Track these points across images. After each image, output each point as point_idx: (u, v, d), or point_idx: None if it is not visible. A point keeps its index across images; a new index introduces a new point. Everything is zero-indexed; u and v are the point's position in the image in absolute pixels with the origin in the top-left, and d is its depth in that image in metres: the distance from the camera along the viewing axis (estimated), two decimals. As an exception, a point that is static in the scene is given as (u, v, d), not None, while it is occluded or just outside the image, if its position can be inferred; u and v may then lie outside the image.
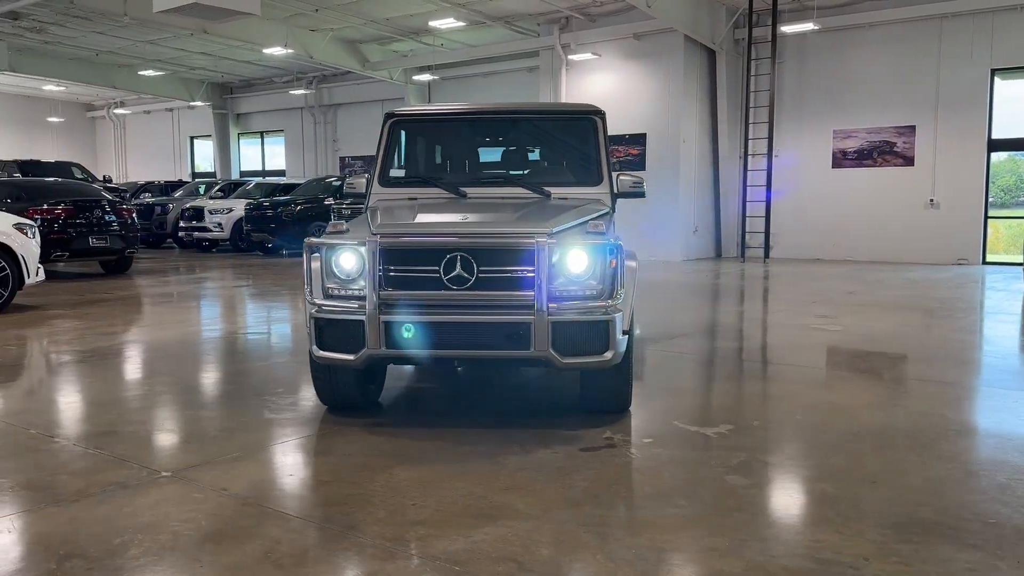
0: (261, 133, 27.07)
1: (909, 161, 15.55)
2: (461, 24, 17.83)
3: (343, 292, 4.17)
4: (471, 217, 4.34)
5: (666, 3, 15.01)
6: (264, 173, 26.55)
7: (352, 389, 4.52)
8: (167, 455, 3.94)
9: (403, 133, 5.57)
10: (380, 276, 4.05)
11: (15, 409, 4.79)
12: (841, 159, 16.31)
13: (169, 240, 20.57)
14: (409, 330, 4.02)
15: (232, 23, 16.20)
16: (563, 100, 17.75)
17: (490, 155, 5.77)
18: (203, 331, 7.87)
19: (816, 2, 15.37)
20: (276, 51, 18.33)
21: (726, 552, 2.79)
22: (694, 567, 2.72)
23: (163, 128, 29.60)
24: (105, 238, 12.83)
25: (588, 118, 5.39)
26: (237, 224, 18.21)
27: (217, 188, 20.86)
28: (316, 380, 4.52)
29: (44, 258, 12.16)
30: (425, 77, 21.40)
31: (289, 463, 3.81)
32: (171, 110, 28.89)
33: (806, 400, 5.02)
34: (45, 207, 12.51)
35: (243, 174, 26.80)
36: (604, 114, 5.41)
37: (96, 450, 3.92)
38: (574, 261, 4.10)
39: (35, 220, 12.22)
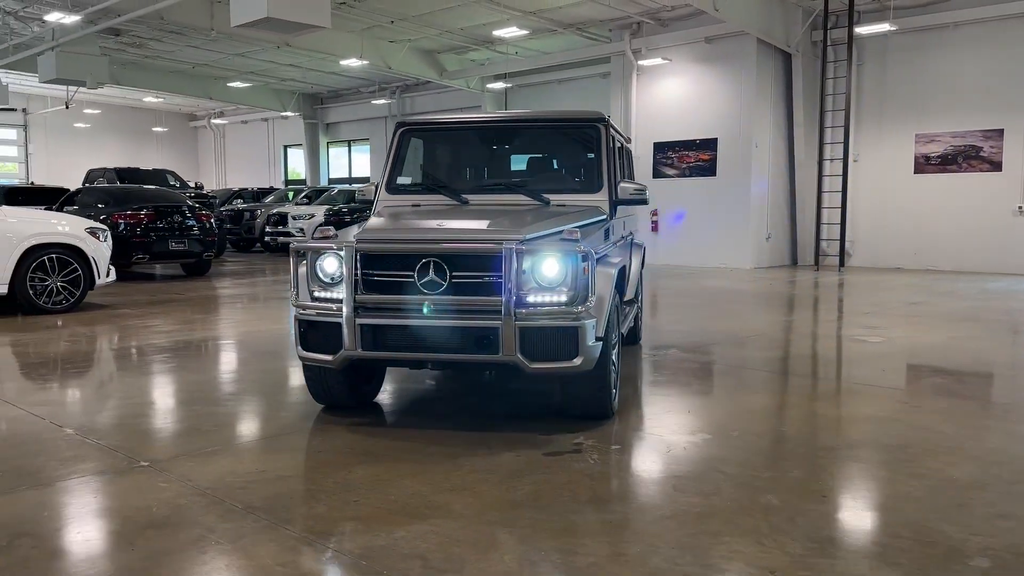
0: (348, 142, 27.92)
1: (996, 167, 14.76)
2: (524, 32, 17.99)
3: (325, 295, 4.34)
4: (448, 224, 4.45)
5: (736, 6, 14.76)
6: (350, 180, 27.37)
7: (342, 389, 4.68)
8: (155, 447, 4.18)
9: (413, 142, 5.73)
10: (357, 280, 4.21)
11: (42, 400, 5.16)
12: (924, 164, 15.62)
13: (257, 244, 21.47)
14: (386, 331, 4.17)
15: (310, 36, 16.80)
16: (633, 106, 17.70)
17: (495, 163, 5.86)
18: (255, 330, 8.23)
19: (894, 2, 14.81)
20: (352, 63, 18.91)
21: (631, 558, 2.80)
22: (589, 571, 2.73)
23: (259, 137, 30.91)
24: (184, 242, 13.55)
25: (592, 126, 5.42)
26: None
27: (303, 195, 21.65)
28: (308, 380, 4.71)
29: (127, 260, 13.01)
30: (499, 85, 21.65)
31: (259, 458, 3.98)
32: (266, 120, 30.13)
33: (798, 412, 4.91)
34: (129, 212, 13.31)
35: (331, 181, 27.70)
36: (608, 121, 5.43)
37: (94, 440, 4.21)
38: (544, 267, 4.14)
39: (119, 224, 13.06)
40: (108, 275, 9.70)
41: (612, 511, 3.25)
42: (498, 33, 17.93)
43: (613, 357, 4.70)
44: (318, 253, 4.36)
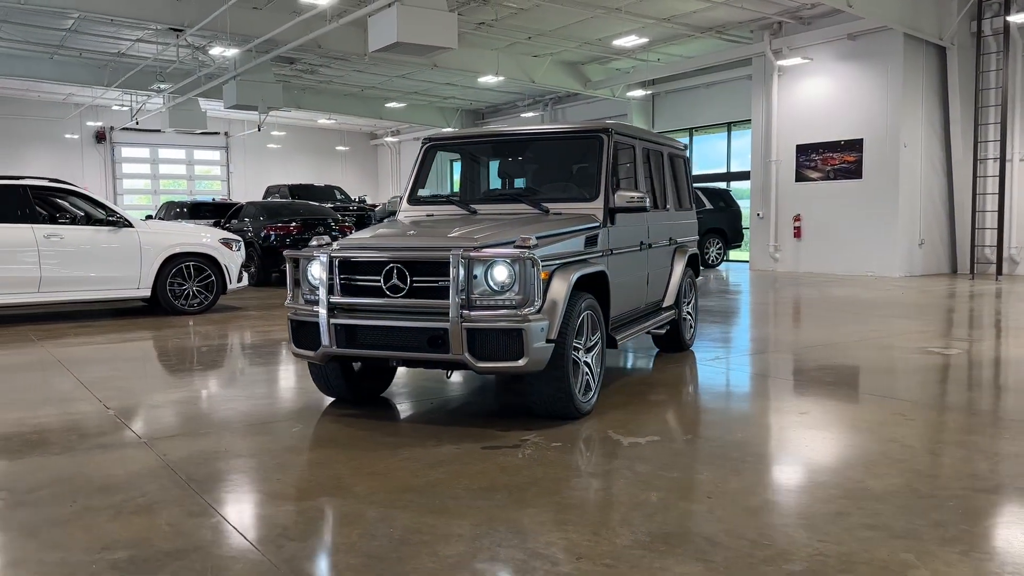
0: (507, 153, 28.83)
1: None
2: (643, 41, 17.90)
3: (311, 298, 4.83)
4: (412, 233, 4.81)
5: (873, 0, 14.00)
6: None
7: (340, 382, 5.15)
8: (160, 426, 4.83)
9: (439, 156, 6.15)
10: (333, 284, 4.67)
11: (113, 384, 6.01)
12: (1102, 160, 14.05)
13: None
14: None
15: (454, 55, 17.72)
16: (775, 108, 17.16)
17: (506, 174, 6.14)
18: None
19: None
20: (489, 79, 19.62)
21: (468, 539, 3.02)
22: (410, 546, 2.98)
23: (429, 152, 32.57)
24: (326, 251, 14.74)
25: (596, 136, 5.59)
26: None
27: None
28: (312, 375, 5.23)
29: (276, 267, 14.37)
30: (639, 92, 21.65)
31: (233, 440, 4.48)
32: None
33: (775, 419, 4.82)
34: (279, 224, 14.71)
35: (491, 192, 28.73)
36: (611, 131, 5.57)
37: (118, 419, 4.94)
38: (494, 273, 4.40)
39: (271, 235, 14.46)
40: (240, 280, 10.84)
41: (493, 498, 3.47)
42: (619, 43, 18.02)
43: (588, 359, 4.85)
44: (308, 260, 4.86)
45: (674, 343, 7.00)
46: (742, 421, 4.85)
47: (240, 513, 3.38)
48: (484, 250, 4.39)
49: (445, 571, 2.77)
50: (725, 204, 18.72)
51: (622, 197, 5.36)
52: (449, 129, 28.85)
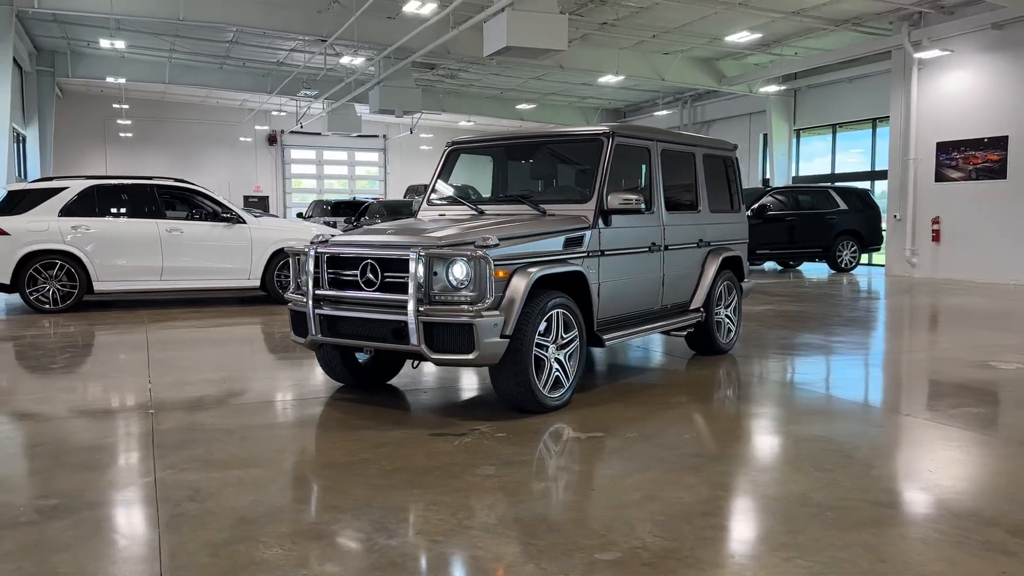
0: (648, 152, 28.62)
1: None
2: (757, 36, 17.24)
3: (304, 290, 5.27)
4: (392, 232, 5.14)
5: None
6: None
7: (341, 369, 5.58)
8: (178, 400, 5.41)
9: (462, 159, 6.45)
10: (319, 278, 5.09)
11: (173, 361, 6.75)
12: None
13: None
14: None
15: (576, 56, 17.93)
16: (913, 102, 16.12)
17: (516, 176, 6.35)
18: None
19: None
20: (609, 79, 19.60)
21: (336, 511, 3.32)
22: (297, 514, 3.30)
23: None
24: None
25: (596, 139, 5.70)
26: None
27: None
28: (318, 360, 5.68)
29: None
30: (773, 88, 20.90)
31: (226, 414, 4.98)
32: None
33: (744, 426, 4.75)
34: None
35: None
36: (613, 135, 5.66)
37: (150, 393, 5.59)
38: (453, 270, 4.64)
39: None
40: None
41: (390, 479, 3.74)
42: (731, 39, 17.54)
43: (560, 356, 4.99)
44: (302, 256, 5.31)
45: (706, 346, 6.93)
46: (684, 421, 4.83)
47: (174, 478, 3.83)
48: (442, 249, 4.66)
49: (295, 534, 3.08)
50: (863, 204, 17.77)
51: (615, 199, 5.44)
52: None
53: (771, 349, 7.40)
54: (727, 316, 7.08)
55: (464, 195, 6.21)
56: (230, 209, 11.00)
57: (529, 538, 3.04)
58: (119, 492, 3.60)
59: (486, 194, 6.33)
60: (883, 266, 17.90)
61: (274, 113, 31.14)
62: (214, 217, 10.84)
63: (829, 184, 19.83)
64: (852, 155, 21.14)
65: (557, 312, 4.97)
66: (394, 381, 5.92)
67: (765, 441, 4.54)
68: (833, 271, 17.35)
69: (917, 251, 16.30)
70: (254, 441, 4.42)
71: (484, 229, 4.94)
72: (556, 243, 5.15)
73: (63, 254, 10.06)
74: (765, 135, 23.15)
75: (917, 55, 15.76)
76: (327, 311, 5.04)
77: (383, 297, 4.82)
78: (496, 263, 4.64)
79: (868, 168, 20.48)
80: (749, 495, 3.56)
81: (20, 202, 10.17)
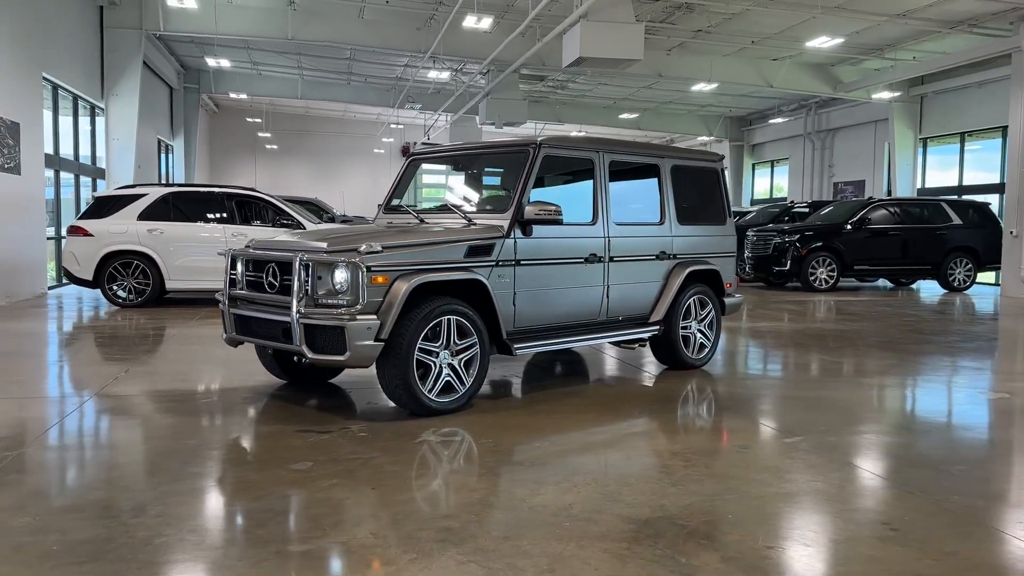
0: (771, 162, 27.57)
1: None
2: (838, 41, 16.18)
3: (224, 290, 5.64)
4: (300, 237, 5.42)
5: None
6: (771, 201, 27.02)
7: (272, 365, 5.95)
8: (161, 385, 5.92)
9: (422, 168, 6.67)
10: (233, 279, 5.47)
11: (201, 355, 7.34)
12: None
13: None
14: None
15: (676, 63, 17.67)
16: (1033, 109, 14.73)
17: (460, 185, 6.46)
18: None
19: None
20: (703, 87, 19.06)
21: (178, 491, 3.64)
22: (141, 492, 3.64)
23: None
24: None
25: (524, 150, 5.76)
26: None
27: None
28: (257, 356, 6.06)
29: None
30: (886, 94, 19.63)
31: (180, 404, 5.45)
32: (703, 146, 31.27)
33: (575, 433, 4.66)
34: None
35: (753, 202, 27.69)
36: (540, 146, 5.69)
37: (166, 381, 6.17)
38: (334, 275, 4.87)
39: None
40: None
41: (202, 467, 4.02)
42: (812, 44, 16.65)
43: (453, 362, 5.10)
44: (233, 258, 5.69)
45: (671, 360, 6.77)
46: (557, 432, 4.78)
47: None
48: (320, 255, 4.90)
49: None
50: (981, 219, 16.39)
51: (532, 210, 5.48)
52: (711, 137, 28.35)
53: (752, 370, 7.10)
54: (699, 331, 6.87)
55: (410, 205, 6.42)
56: (292, 215, 11.72)
57: (225, 530, 3.22)
58: (40, 472, 4.09)
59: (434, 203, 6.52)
60: (998, 285, 16.42)
61: (398, 126, 32.45)
62: (277, 223, 11.60)
63: (947, 198, 18.40)
64: (981, 166, 19.50)
65: (449, 319, 5.08)
66: (352, 377, 6.21)
67: (587, 453, 4.45)
68: (945, 290, 16.09)
69: (1036, 270, 14.86)
70: (169, 432, 4.81)
71: (375, 236, 5.13)
72: (456, 251, 5.24)
73: (139, 254, 11.11)
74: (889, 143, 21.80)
75: (1036, 56, 14.42)
76: (239, 311, 5.40)
77: (279, 299, 5.12)
78: (377, 269, 4.83)
79: (998, 180, 18.83)
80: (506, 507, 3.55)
81: (106, 207, 11.33)
